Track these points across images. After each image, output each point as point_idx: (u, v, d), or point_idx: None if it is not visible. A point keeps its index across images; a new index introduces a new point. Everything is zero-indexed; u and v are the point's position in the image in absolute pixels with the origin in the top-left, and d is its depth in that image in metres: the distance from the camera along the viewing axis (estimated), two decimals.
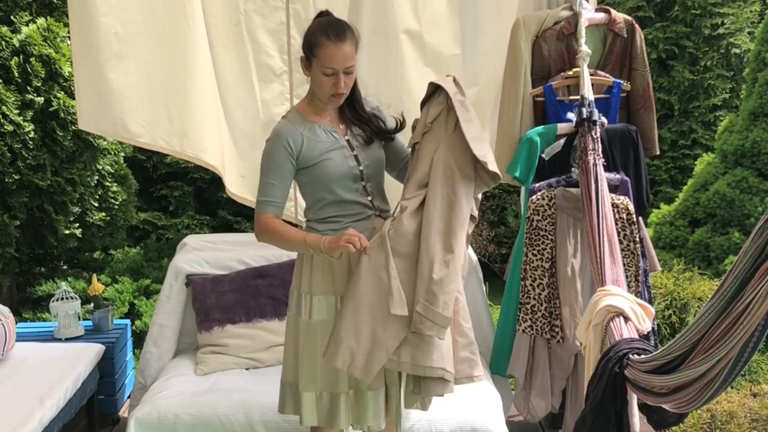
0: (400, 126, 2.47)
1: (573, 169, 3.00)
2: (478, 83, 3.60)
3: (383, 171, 2.47)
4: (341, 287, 2.32)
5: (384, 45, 3.40)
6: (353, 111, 2.39)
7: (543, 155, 3.06)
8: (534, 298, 2.97)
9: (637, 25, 3.22)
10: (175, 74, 3.22)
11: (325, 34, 2.21)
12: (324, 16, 2.33)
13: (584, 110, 2.91)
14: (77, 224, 4.76)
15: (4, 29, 4.34)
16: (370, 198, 2.38)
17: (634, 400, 2.03)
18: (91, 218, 4.82)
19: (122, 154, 5.13)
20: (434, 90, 2.36)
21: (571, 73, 3.10)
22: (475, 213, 2.35)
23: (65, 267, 5.16)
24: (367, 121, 2.39)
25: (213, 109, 3.46)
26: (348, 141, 2.36)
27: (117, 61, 3.06)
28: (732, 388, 3.39)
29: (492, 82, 3.54)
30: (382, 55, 3.38)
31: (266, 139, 2.36)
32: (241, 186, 3.69)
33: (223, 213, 5.87)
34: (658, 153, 3.31)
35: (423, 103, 2.40)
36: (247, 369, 3.16)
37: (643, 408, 2.11)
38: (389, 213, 2.42)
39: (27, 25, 4.46)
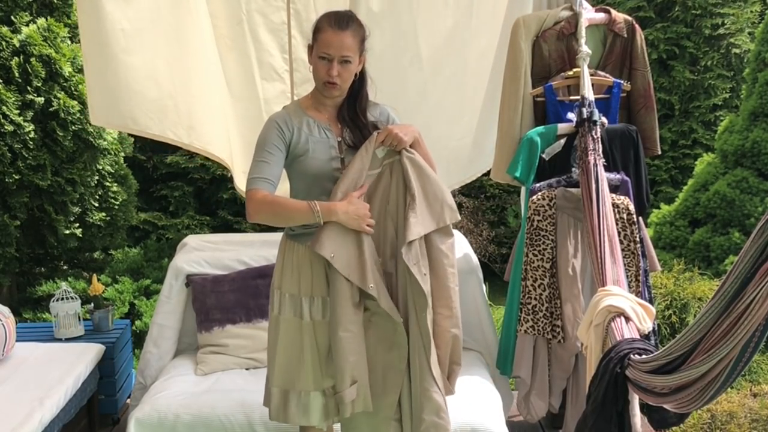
0: None
1: (573, 169, 3.00)
2: (474, 84, 3.61)
3: None
4: (321, 288, 2.35)
5: (379, 45, 3.41)
6: (352, 113, 2.36)
7: (543, 155, 3.06)
8: (535, 299, 2.97)
9: (637, 25, 3.22)
10: (181, 69, 3.25)
11: (328, 21, 2.26)
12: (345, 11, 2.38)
13: (584, 110, 2.91)
14: (77, 224, 4.76)
15: (5, 29, 4.34)
16: None
17: (635, 400, 2.03)
18: (91, 218, 4.82)
19: (122, 154, 5.13)
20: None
21: (571, 73, 3.10)
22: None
23: (65, 267, 5.16)
24: (362, 127, 2.36)
25: (219, 104, 3.48)
26: (339, 143, 2.35)
27: (125, 57, 3.09)
28: (732, 388, 3.39)
29: (489, 82, 3.55)
30: (378, 56, 3.38)
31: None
32: (244, 182, 3.70)
33: (223, 213, 5.88)
34: (659, 153, 3.31)
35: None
36: (247, 369, 3.16)
37: (644, 408, 2.11)
38: None
39: (27, 25, 4.46)
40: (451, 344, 2.32)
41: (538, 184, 3.03)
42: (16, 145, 4.30)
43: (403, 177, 2.29)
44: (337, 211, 2.20)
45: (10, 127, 4.23)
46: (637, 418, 2.12)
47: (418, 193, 2.25)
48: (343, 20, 2.25)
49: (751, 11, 5.94)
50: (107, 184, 4.92)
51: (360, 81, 2.36)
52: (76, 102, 4.48)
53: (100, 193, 4.88)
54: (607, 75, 3.15)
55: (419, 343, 2.28)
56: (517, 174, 3.09)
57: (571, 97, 3.10)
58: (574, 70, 3.08)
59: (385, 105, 2.48)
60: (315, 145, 2.32)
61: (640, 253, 2.93)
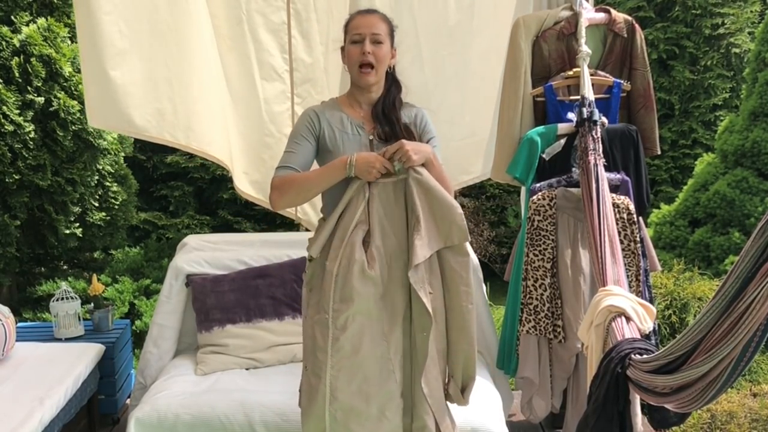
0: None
1: (573, 169, 3.00)
2: (476, 85, 3.61)
3: None
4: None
5: None
6: (388, 108, 2.38)
7: (543, 155, 3.06)
8: (536, 299, 2.97)
9: (637, 25, 3.22)
10: (180, 70, 3.24)
11: (357, 11, 2.42)
12: None
13: (585, 110, 2.90)
14: (77, 224, 4.76)
15: (5, 29, 4.34)
16: None
17: (636, 400, 2.03)
18: (92, 218, 4.82)
19: (122, 154, 5.13)
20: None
21: (571, 73, 3.10)
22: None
23: (65, 267, 5.16)
24: (394, 124, 2.38)
25: (218, 105, 3.48)
26: (371, 141, 2.37)
27: (122, 58, 3.09)
28: (732, 388, 3.39)
29: (488, 81, 3.55)
30: None
31: None
32: (245, 182, 3.70)
33: (223, 213, 5.88)
34: (659, 153, 3.31)
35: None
36: (247, 369, 3.15)
37: (644, 408, 2.11)
38: None
39: (27, 25, 4.46)
40: (464, 362, 2.32)
41: (538, 184, 3.03)
42: (16, 145, 4.30)
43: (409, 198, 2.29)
44: (347, 166, 2.23)
45: (10, 127, 4.23)
46: (638, 418, 2.13)
47: (424, 214, 2.24)
48: (371, 9, 2.45)
49: (751, 11, 5.95)
50: (107, 184, 4.92)
51: (394, 81, 2.42)
52: (76, 102, 4.48)
53: (100, 192, 4.88)
54: (607, 75, 3.15)
55: (417, 363, 2.28)
56: (517, 174, 3.09)
57: (571, 97, 3.10)
58: (574, 70, 3.08)
59: (421, 108, 2.50)
60: (346, 140, 2.35)
61: (640, 252, 2.93)
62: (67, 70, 4.48)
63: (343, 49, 2.39)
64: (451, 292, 2.29)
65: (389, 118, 2.37)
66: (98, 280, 3.82)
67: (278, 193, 2.30)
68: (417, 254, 2.20)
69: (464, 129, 3.67)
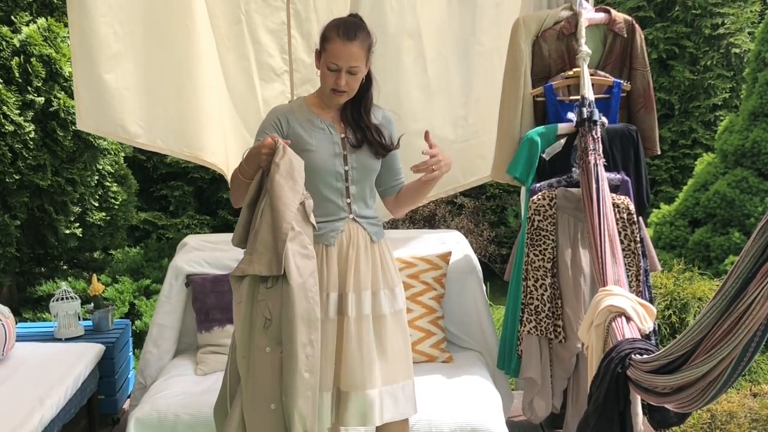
0: (390, 146, 2.44)
1: (574, 169, 3.00)
2: (477, 87, 3.60)
3: (372, 179, 2.46)
4: None
5: (382, 45, 3.41)
6: (356, 113, 2.39)
7: (543, 155, 3.06)
8: (537, 299, 2.96)
9: (637, 25, 3.22)
10: (175, 74, 3.22)
11: (337, 31, 2.27)
12: (352, 17, 2.39)
13: (585, 110, 2.90)
14: (77, 224, 4.76)
15: (5, 29, 4.34)
16: (349, 201, 2.38)
17: (637, 400, 2.03)
18: (92, 218, 4.82)
19: (122, 154, 5.13)
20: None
21: (571, 73, 3.10)
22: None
23: (65, 267, 5.16)
24: (364, 128, 2.39)
25: (215, 108, 3.46)
26: (342, 139, 2.38)
27: (116, 61, 3.07)
28: (732, 388, 3.39)
29: (491, 82, 3.55)
30: (380, 55, 3.38)
31: None
32: None
33: (223, 213, 5.88)
34: (659, 153, 3.31)
35: None
36: None
37: (645, 408, 2.11)
38: (370, 219, 2.42)
39: (27, 25, 4.46)
40: None
41: (538, 184, 3.03)
42: (16, 145, 4.30)
43: None
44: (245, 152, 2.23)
45: (10, 127, 4.23)
46: (639, 417, 2.13)
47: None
48: (351, 31, 2.26)
49: (751, 11, 5.95)
50: (107, 184, 4.92)
51: (366, 83, 2.39)
52: None
53: (100, 193, 4.88)
54: (607, 75, 3.15)
55: None
56: (517, 174, 3.09)
57: (571, 97, 3.10)
58: (574, 70, 3.08)
59: (386, 110, 2.50)
60: (318, 140, 2.35)
61: (640, 252, 2.93)
62: (67, 70, 4.48)
63: (317, 52, 2.34)
64: None
65: (359, 124, 2.39)
66: (98, 280, 3.82)
67: (230, 191, 2.38)
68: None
69: (467, 130, 3.66)
